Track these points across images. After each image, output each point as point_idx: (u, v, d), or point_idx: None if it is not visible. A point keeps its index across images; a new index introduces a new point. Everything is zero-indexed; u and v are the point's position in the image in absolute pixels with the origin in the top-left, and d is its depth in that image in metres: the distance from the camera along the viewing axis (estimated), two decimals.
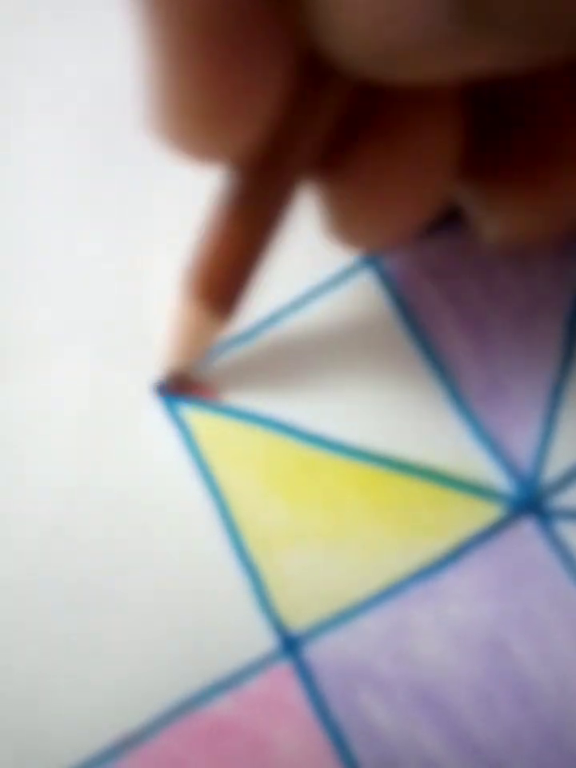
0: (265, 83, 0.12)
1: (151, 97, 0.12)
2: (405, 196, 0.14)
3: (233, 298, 0.15)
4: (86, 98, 0.18)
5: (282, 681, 0.15)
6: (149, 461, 0.16)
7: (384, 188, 0.14)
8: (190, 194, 0.18)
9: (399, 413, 0.16)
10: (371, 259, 0.17)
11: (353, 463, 0.16)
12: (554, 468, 0.16)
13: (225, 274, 0.14)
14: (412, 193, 0.14)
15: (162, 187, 0.18)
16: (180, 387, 0.16)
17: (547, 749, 0.14)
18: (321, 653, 0.15)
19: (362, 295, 0.17)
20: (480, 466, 0.16)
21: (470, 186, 0.15)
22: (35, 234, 0.18)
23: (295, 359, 0.16)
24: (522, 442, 0.16)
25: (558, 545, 0.15)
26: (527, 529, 0.15)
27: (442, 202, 0.15)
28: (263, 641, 0.15)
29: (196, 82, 0.12)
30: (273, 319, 0.17)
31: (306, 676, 0.15)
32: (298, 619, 0.15)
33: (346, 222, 0.15)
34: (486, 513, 0.16)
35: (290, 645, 0.15)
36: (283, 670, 0.15)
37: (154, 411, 0.16)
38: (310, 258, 0.17)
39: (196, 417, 0.16)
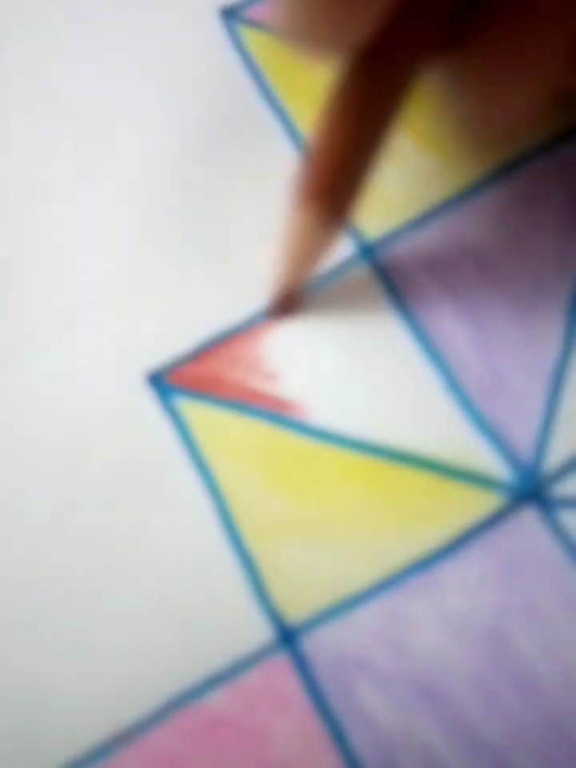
0: None
1: None
2: (525, 78, 0.14)
3: (347, 200, 0.15)
4: (82, 83, 0.19)
5: (279, 673, 0.15)
6: (144, 453, 0.16)
7: (506, 69, 0.14)
8: (191, 184, 0.18)
9: (397, 403, 0.17)
10: (366, 252, 0.18)
11: (351, 454, 0.16)
12: (555, 456, 0.16)
13: (339, 175, 0.15)
14: (532, 75, 0.14)
15: (162, 184, 0.19)
16: (288, 308, 0.17)
17: (551, 743, 0.15)
18: (318, 644, 0.15)
19: (358, 287, 0.17)
20: (480, 454, 0.16)
21: None
22: (32, 227, 0.18)
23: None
24: (522, 429, 0.16)
25: (560, 534, 0.16)
26: (528, 518, 0.16)
27: (560, 84, 0.15)
28: (260, 633, 0.15)
29: None
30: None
31: (304, 668, 0.15)
32: (295, 611, 0.15)
33: (469, 106, 0.15)
34: (486, 502, 0.16)
35: (287, 637, 0.15)
36: (280, 662, 0.15)
37: (148, 403, 0.17)
38: None
39: (191, 409, 0.17)
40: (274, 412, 0.17)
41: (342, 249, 0.18)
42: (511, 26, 0.14)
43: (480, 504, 0.16)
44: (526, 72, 0.14)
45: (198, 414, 0.17)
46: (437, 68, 0.15)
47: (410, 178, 0.18)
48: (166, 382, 0.17)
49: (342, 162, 0.15)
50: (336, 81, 0.15)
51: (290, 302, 0.17)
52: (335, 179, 0.15)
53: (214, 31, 0.20)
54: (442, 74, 0.15)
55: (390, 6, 0.13)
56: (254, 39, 0.20)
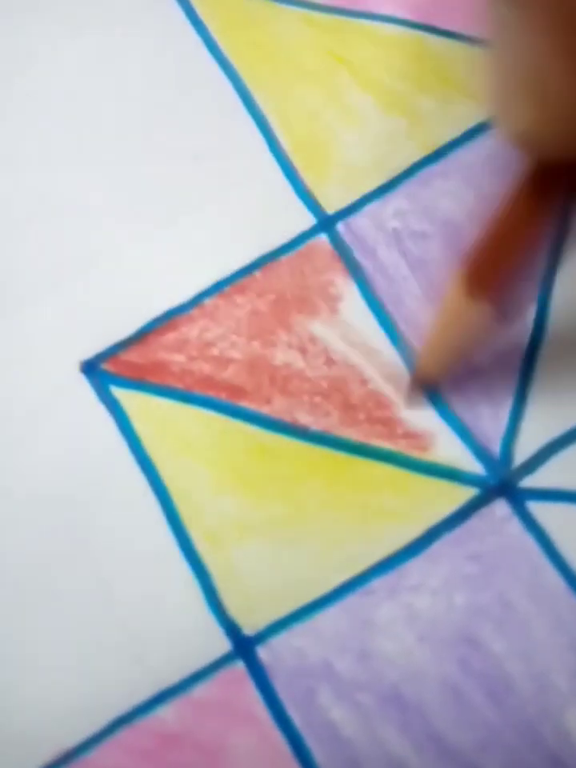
0: None
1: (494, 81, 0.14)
2: None
3: (509, 300, 0.15)
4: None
5: (235, 685, 0.15)
6: (81, 449, 0.16)
7: None
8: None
9: None
10: (325, 223, 0.17)
11: (310, 448, 0.16)
12: (526, 444, 0.16)
13: (509, 271, 0.15)
14: None
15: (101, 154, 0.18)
16: (427, 387, 0.16)
17: (525, 747, 0.15)
18: (277, 653, 0.15)
19: (317, 260, 0.17)
20: (447, 446, 0.16)
21: None
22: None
23: None
24: (491, 417, 0.16)
25: (533, 528, 0.16)
26: (499, 512, 0.16)
27: None
28: (213, 643, 0.15)
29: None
30: (217, 287, 0.17)
31: (261, 679, 0.15)
32: (252, 618, 0.15)
33: None
34: (455, 497, 0.16)
35: (243, 646, 0.15)
36: (236, 674, 0.15)
37: (84, 394, 0.16)
38: (261, 223, 0.17)
39: (131, 399, 0.16)
40: (226, 401, 0.16)
41: (300, 219, 0.17)
42: None
43: (448, 499, 0.16)
44: None
45: (139, 404, 0.16)
46: None
47: (372, 142, 0.17)
48: (101, 370, 0.16)
49: (516, 260, 0.15)
50: (520, 181, 0.15)
51: (429, 387, 0.16)
52: (503, 276, 0.15)
53: None
54: None
55: None
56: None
